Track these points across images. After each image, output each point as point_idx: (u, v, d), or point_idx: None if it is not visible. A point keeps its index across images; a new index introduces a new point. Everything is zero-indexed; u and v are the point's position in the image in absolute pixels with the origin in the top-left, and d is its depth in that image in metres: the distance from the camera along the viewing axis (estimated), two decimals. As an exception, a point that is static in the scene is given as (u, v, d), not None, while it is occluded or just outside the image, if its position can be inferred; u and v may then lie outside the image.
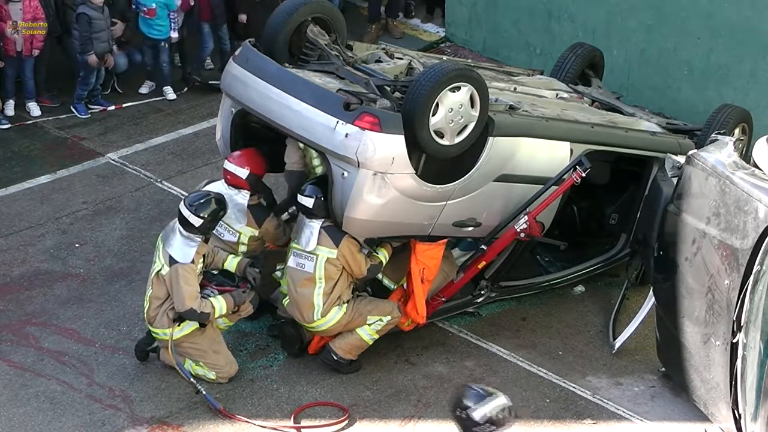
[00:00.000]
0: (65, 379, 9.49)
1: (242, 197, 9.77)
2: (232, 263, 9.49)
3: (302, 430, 9.18)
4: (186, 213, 9.17)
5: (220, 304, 9.20)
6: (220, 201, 9.33)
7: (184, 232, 9.19)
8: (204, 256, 9.30)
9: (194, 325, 9.23)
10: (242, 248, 9.83)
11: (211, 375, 9.38)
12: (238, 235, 9.80)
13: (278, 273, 9.98)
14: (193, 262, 9.13)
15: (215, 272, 9.53)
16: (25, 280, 10.66)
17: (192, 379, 9.27)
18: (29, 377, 9.49)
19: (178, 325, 9.22)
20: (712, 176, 8.82)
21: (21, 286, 10.58)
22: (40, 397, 9.29)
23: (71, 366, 9.62)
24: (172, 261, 9.14)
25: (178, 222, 9.23)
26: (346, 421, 9.18)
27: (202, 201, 9.23)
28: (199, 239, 9.19)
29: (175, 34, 13.81)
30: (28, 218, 11.53)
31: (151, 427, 9.07)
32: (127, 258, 10.99)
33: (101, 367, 9.63)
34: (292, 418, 9.21)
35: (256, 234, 9.81)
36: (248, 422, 9.11)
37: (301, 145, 9.68)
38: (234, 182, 9.77)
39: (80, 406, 9.23)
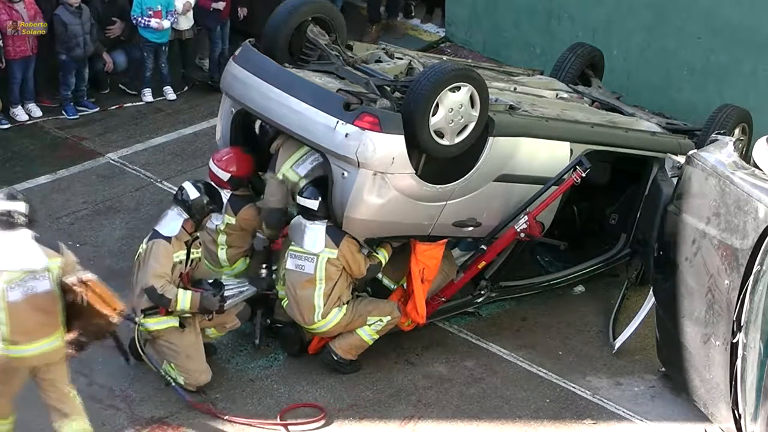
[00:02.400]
0: (65, 379, 9.48)
1: (223, 195, 9.80)
2: (185, 297, 9.11)
3: (289, 428, 9.18)
4: (187, 185, 9.21)
5: (184, 297, 9.04)
6: (218, 195, 9.38)
7: (175, 208, 9.20)
8: (187, 245, 9.23)
9: (172, 322, 9.19)
10: (222, 237, 9.85)
11: (180, 379, 9.31)
12: (215, 224, 9.84)
13: (263, 272, 9.96)
14: (170, 242, 9.07)
15: (208, 281, 9.49)
16: (25, 280, 10.65)
17: (161, 371, 9.25)
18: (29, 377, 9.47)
19: (151, 317, 9.19)
20: (712, 176, 8.82)
21: (21, 286, 10.56)
22: (40, 397, 9.27)
23: (71, 366, 9.58)
24: (152, 236, 9.13)
25: (173, 201, 9.26)
26: (323, 421, 9.18)
27: (205, 183, 9.36)
28: (185, 216, 9.16)
29: (186, 26, 13.86)
30: (28, 218, 11.52)
31: (151, 427, 9.06)
32: (127, 258, 10.95)
33: (101, 367, 9.61)
34: (278, 417, 9.23)
35: (233, 222, 9.82)
36: (218, 416, 9.13)
37: (279, 174, 9.67)
38: (215, 181, 9.83)
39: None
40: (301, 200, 9.41)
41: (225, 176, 9.81)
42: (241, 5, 14.29)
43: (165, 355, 9.29)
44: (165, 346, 9.28)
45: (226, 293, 9.33)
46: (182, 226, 9.17)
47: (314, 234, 9.38)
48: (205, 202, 9.23)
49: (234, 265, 9.98)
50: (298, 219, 9.54)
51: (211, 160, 9.92)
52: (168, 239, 9.10)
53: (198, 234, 9.37)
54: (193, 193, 9.20)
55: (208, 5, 13.90)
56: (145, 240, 9.25)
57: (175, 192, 9.41)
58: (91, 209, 11.84)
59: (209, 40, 14.31)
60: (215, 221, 9.81)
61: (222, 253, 9.92)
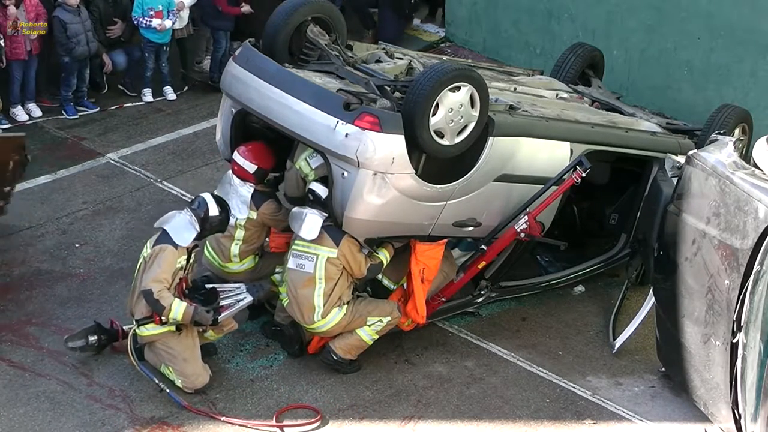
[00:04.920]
0: (65, 379, 9.49)
1: (247, 189, 9.84)
2: (179, 309, 9.10)
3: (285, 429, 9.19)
4: (209, 199, 9.23)
5: (178, 308, 9.01)
6: (228, 210, 9.41)
7: (191, 216, 9.19)
8: (189, 253, 9.26)
9: (168, 326, 9.19)
10: (240, 232, 9.86)
11: (178, 382, 9.31)
12: (235, 218, 9.86)
13: (277, 276, 9.99)
14: (177, 248, 9.08)
15: (205, 287, 9.46)
16: (25, 280, 10.66)
17: (154, 378, 9.25)
18: (29, 377, 9.48)
19: (146, 325, 9.22)
20: (712, 176, 8.82)
21: (21, 286, 10.57)
22: (40, 397, 9.29)
23: (71, 366, 9.62)
24: (160, 239, 9.11)
25: (188, 208, 9.25)
26: (319, 422, 9.18)
27: (224, 202, 9.37)
28: (198, 230, 9.17)
29: (179, 26, 13.88)
30: (28, 218, 11.52)
31: (151, 427, 9.06)
32: (127, 258, 10.98)
33: (101, 367, 9.63)
34: (274, 418, 9.22)
35: (254, 216, 9.85)
36: (214, 417, 9.13)
37: (296, 164, 9.74)
38: (241, 174, 9.85)
39: (80, 406, 9.23)
40: (314, 185, 9.43)
41: (252, 168, 9.82)
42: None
43: (162, 358, 9.29)
44: (162, 350, 9.27)
45: (223, 302, 9.31)
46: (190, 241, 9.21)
47: (312, 222, 9.35)
48: (219, 220, 9.27)
49: (243, 261, 9.99)
50: (299, 208, 9.54)
51: (236, 153, 9.89)
52: (176, 246, 9.10)
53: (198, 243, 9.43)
54: (213, 209, 9.22)
55: (233, 11, 13.92)
56: (150, 241, 9.23)
57: (191, 200, 9.42)
58: (91, 209, 11.85)
59: (214, 40, 14.31)
60: (237, 215, 9.83)
61: (235, 248, 9.93)
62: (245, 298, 9.44)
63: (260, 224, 9.93)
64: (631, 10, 13.68)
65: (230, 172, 9.98)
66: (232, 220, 9.82)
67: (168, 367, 9.29)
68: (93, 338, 9.54)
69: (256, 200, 9.86)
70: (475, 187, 9.54)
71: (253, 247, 10.00)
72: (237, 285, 9.57)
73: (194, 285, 9.45)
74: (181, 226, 9.18)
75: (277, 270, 9.99)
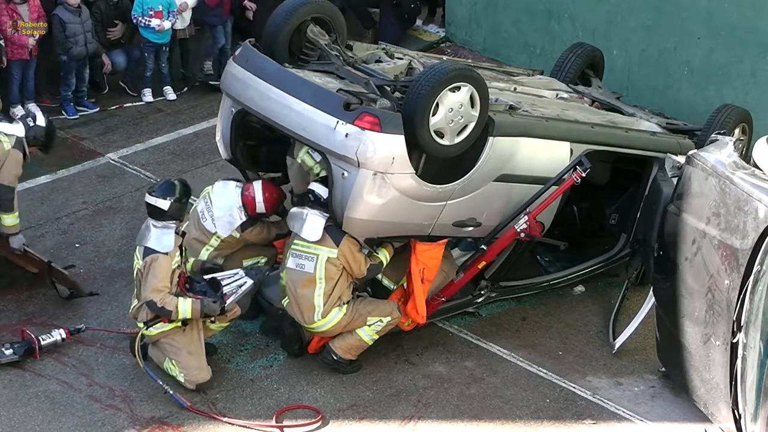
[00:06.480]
0: (65, 379, 9.49)
1: (240, 216, 9.85)
2: (186, 307, 9.13)
3: (285, 430, 9.19)
4: (152, 200, 9.17)
5: (185, 307, 9.06)
6: (185, 184, 9.35)
7: (158, 223, 9.17)
8: (181, 248, 9.26)
9: (175, 323, 9.21)
10: (215, 241, 9.89)
11: (180, 377, 9.32)
12: (215, 231, 9.88)
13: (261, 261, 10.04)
14: (167, 254, 9.09)
15: (204, 278, 9.48)
16: (25, 280, 10.66)
17: (158, 380, 9.25)
18: (29, 377, 9.49)
19: (153, 325, 9.22)
20: (712, 176, 8.82)
21: (21, 286, 10.57)
22: (40, 397, 9.29)
23: (71, 366, 9.62)
24: (147, 252, 9.11)
25: (149, 217, 9.23)
26: (320, 422, 9.18)
27: (165, 186, 9.28)
28: (174, 225, 9.17)
29: (181, 26, 13.88)
30: (28, 218, 11.51)
31: (151, 427, 9.07)
32: (127, 258, 10.94)
33: (101, 367, 9.63)
34: (273, 418, 9.23)
35: (237, 236, 9.91)
36: (217, 418, 9.14)
37: (297, 158, 9.74)
38: (247, 203, 9.87)
39: (80, 406, 9.24)
40: (315, 185, 9.43)
41: (261, 209, 9.87)
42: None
43: (167, 352, 9.31)
44: (167, 344, 9.30)
45: (224, 290, 9.33)
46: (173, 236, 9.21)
47: (313, 222, 9.36)
48: (178, 200, 9.20)
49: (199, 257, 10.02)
50: (299, 208, 9.54)
51: (258, 184, 9.91)
52: (166, 253, 9.10)
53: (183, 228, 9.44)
54: (164, 203, 9.14)
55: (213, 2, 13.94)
56: (138, 255, 9.21)
57: (146, 209, 9.34)
58: (91, 209, 11.85)
59: (212, 37, 14.31)
60: (220, 232, 9.84)
61: (205, 254, 9.94)
62: (246, 282, 9.45)
63: (241, 241, 9.94)
64: (631, 10, 13.68)
65: (237, 188, 9.93)
66: (211, 228, 9.83)
67: (171, 361, 9.30)
68: (8, 351, 9.56)
69: (245, 225, 9.90)
70: (475, 187, 9.54)
71: (222, 253, 10.01)
72: (235, 271, 9.58)
73: (192, 277, 9.46)
74: (159, 237, 9.15)
75: (243, 263, 9.99)
